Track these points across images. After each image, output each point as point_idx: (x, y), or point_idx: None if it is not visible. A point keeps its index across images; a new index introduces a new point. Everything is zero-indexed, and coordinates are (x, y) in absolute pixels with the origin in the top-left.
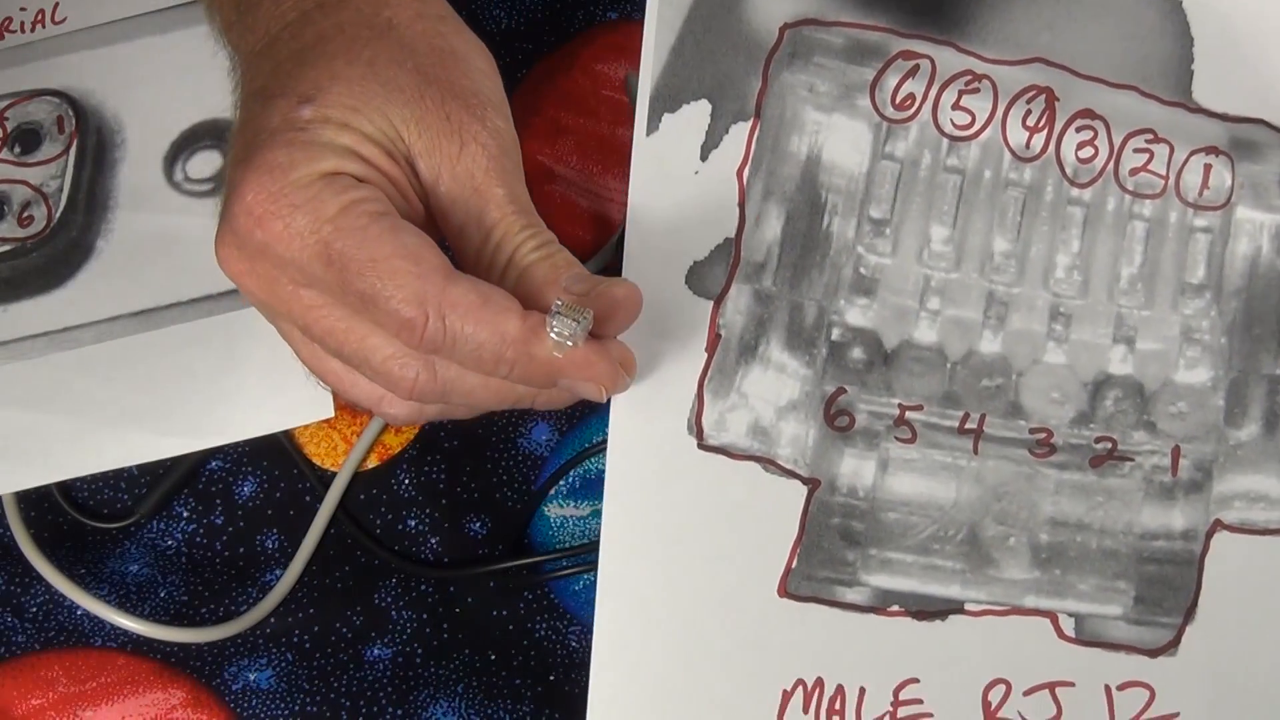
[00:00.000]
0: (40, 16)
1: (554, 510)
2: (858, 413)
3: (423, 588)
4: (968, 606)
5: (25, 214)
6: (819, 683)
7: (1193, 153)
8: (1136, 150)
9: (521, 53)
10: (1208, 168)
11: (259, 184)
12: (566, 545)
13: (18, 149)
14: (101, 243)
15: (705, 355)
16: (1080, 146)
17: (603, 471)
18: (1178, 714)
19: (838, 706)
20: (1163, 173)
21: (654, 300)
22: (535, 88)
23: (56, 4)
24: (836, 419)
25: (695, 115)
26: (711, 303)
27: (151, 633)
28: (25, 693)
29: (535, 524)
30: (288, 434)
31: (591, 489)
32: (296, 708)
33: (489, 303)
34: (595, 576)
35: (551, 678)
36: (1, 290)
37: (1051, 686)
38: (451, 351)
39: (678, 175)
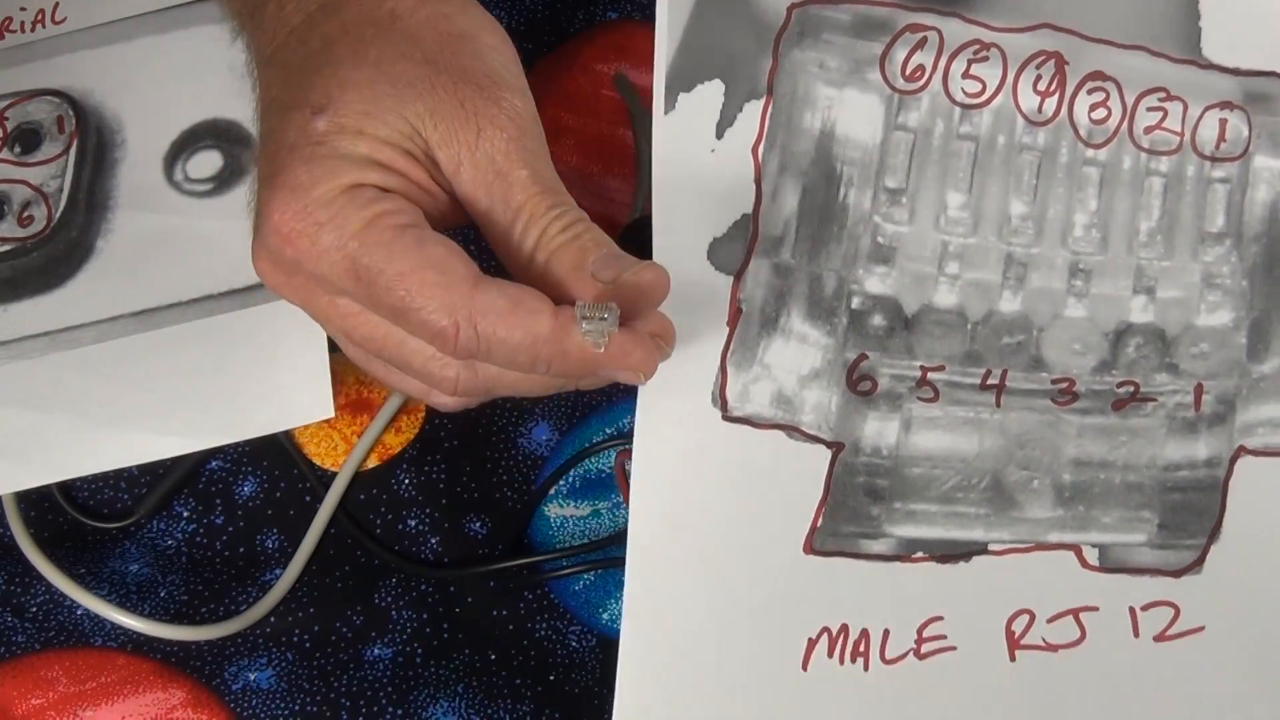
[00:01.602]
0: (40, 16)
1: (554, 510)
2: (880, 377)
3: (423, 588)
4: (991, 547)
5: (25, 214)
6: (844, 629)
7: (1207, 108)
8: (1150, 109)
9: (521, 53)
10: (1223, 122)
11: (284, 204)
12: (566, 545)
13: (18, 149)
14: (101, 243)
15: (727, 329)
16: (1093, 108)
17: (603, 471)
18: (1203, 628)
19: (862, 649)
20: (1178, 129)
21: (677, 277)
22: (535, 88)
23: (56, 4)
24: (859, 384)
25: (710, 95)
26: (732, 278)
27: (152, 630)
28: (25, 693)
29: (535, 524)
30: (288, 434)
31: (591, 489)
32: (296, 708)
33: (519, 306)
34: (595, 576)
35: (551, 678)
36: (2, 290)
37: (1075, 612)
38: (488, 355)
39: (695, 154)
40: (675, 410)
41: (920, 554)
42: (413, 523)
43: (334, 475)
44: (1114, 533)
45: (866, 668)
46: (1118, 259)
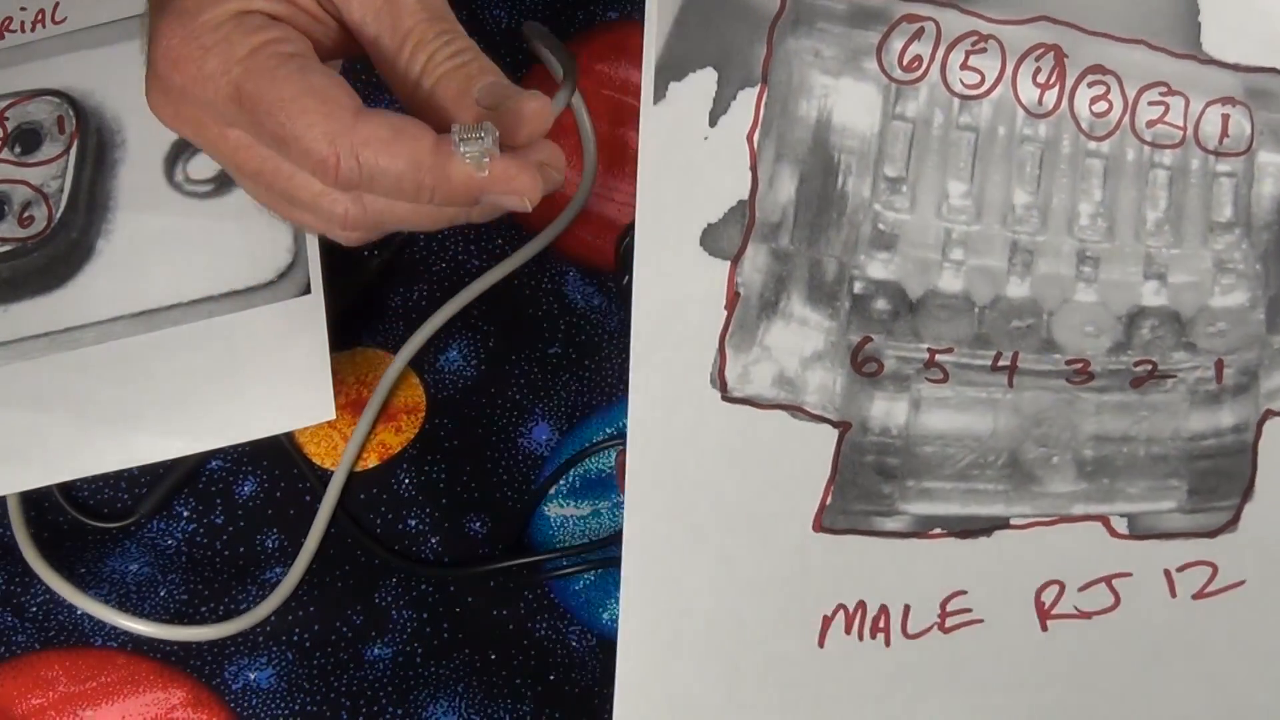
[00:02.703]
0: (40, 16)
1: (554, 510)
2: (885, 358)
3: (423, 587)
4: (1013, 521)
5: (26, 214)
6: (860, 605)
7: (1209, 104)
8: (1151, 103)
9: (522, 53)
10: (1225, 117)
11: (171, 29)
12: (566, 545)
13: (18, 149)
14: (102, 243)
15: (725, 313)
16: (1094, 101)
17: (603, 471)
18: (1243, 581)
19: (881, 625)
20: (1180, 124)
21: (670, 263)
22: (535, 88)
23: (56, 4)
24: (864, 365)
25: (702, 83)
26: (728, 263)
27: (152, 631)
28: (25, 693)
29: (535, 524)
30: (288, 434)
31: (591, 488)
32: (296, 707)
33: (400, 134)
34: (595, 576)
35: (551, 678)
36: (2, 290)
37: (1107, 579)
38: (370, 185)
39: (687, 141)
40: (672, 392)
41: (938, 530)
42: (413, 522)
43: (334, 475)
44: (1142, 502)
45: (888, 643)
46: (1125, 246)
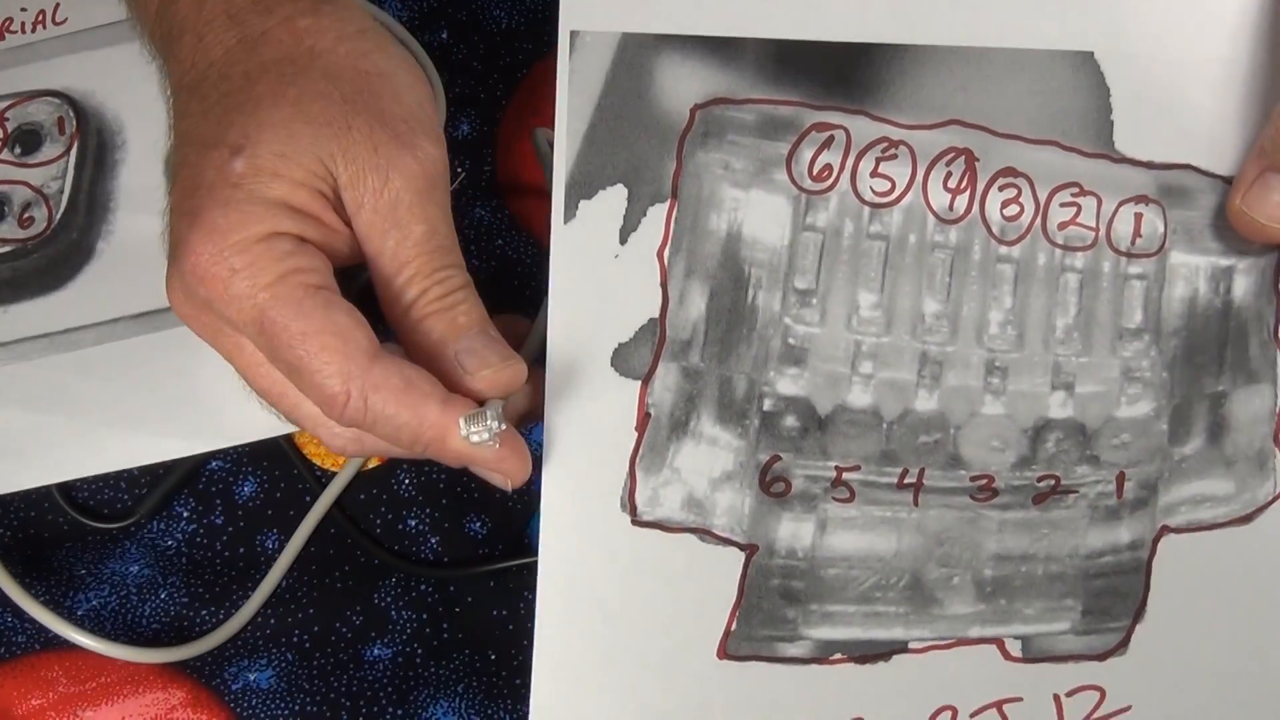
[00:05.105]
0: (41, 17)
1: None
2: (794, 478)
3: (423, 588)
4: (911, 645)
5: (26, 215)
6: None
7: (1122, 203)
8: (1063, 204)
9: (521, 53)
10: (1138, 216)
11: (200, 246)
12: None
13: (18, 150)
14: (102, 244)
15: (635, 434)
16: (1005, 205)
17: None
18: (1129, 708)
19: None
20: (1092, 225)
21: (581, 384)
22: (535, 88)
23: (57, 4)
24: (772, 486)
25: (612, 200)
26: (639, 383)
27: (138, 656)
28: (25, 693)
29: (535, 524)
30: (287, 435)
31: None
32: (296, 708)
33: (411, 388)
34: None
35: None
36: (2, 291)
37: (998, 704)
38: (371, 427)
39: (598, 260)
40: (583, 516)
41: (838, 655)
42: (413, 523)
43: (333, 476)
44: (1037, 623)
45: None
46: (1034, 356)
